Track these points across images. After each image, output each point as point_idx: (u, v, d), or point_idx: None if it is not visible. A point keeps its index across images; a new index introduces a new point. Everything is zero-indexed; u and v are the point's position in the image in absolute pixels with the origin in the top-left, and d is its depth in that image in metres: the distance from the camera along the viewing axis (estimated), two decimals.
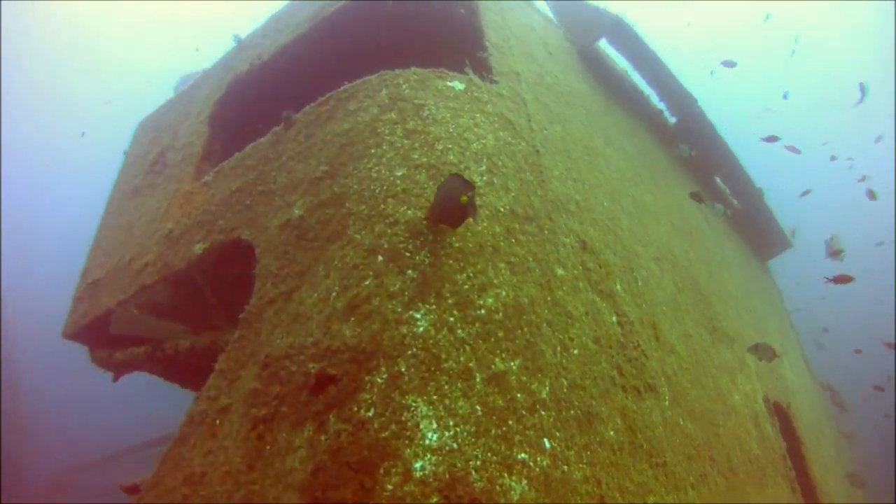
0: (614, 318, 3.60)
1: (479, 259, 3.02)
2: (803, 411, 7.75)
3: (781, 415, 6.21)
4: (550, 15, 6.53)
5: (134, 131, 6.57)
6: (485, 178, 3.47)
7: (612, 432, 3.02)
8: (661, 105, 7.75)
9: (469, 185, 2.94)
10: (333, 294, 3.00)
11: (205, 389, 3.33)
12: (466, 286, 2.89)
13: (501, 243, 3.17)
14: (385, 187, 3.31)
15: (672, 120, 7.91)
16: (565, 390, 2.88)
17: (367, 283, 2.92)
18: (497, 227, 3.24)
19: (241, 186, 4.30)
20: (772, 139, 9.39)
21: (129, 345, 4.82)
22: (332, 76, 5.41)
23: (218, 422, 3.15)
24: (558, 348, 3.00)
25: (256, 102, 5.60)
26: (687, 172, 7.88)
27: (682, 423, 3.70)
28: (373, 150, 3.56)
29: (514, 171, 3.67)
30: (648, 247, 4.75)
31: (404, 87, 3.91)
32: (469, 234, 3.11)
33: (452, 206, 2.97)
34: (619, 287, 3.85)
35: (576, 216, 3.93)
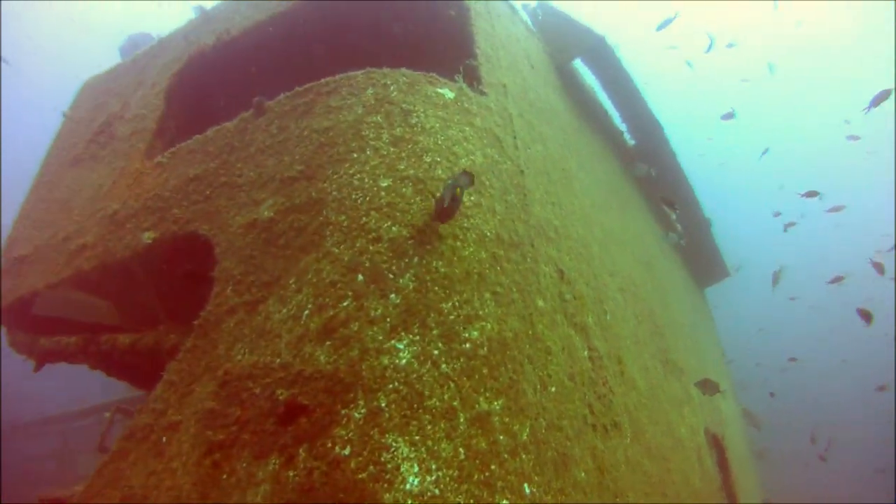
0: (586, 353, 3.56)
1: (466, 287, 2.88)
2: (733, 440, 8.12)
3: (717, 446, 6.45)
4: (530, 23, 6.43)
5: (77, 92, 5.94)
6: (472, 198, 3.32)
7: (583, 473, 2.97)
8: (620, 125, 7.86)
9: (469, 179, 2.91)
10: (306, 312, 2.77)
11: (150, 400, 3.03)
12: (452, 317, 2.74)
13: (487, 271, 3.04)
14: (368, 198, 3.10)
15: (631, 141, 8.03)
16: (544, 431, 2.80)
17: (345, 304, 2.72)
18: (483, 252, 3.10)
19: (200, 174, 3.95)
20: (811, 195, 9.59)
21: (56, 332, 4.37)
22: (308, 68, 5.11)
23: (165, 439, 2.86)
24: (538, 386, 2.91)
25: (220, 82, 5.19)
26: (643, 195, 8.02)
27: (641, 460, 3.72)
28: (355, 155, 3.33)
29: (500, 193, 3.55)
30: (615, 276, 4.76)
31: (392, 88, 3.69)
32: (456, 258, 2.96)
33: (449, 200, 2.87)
34: (590, 320, 3.81)
35: (554, 243, 3.85)
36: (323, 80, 3.88)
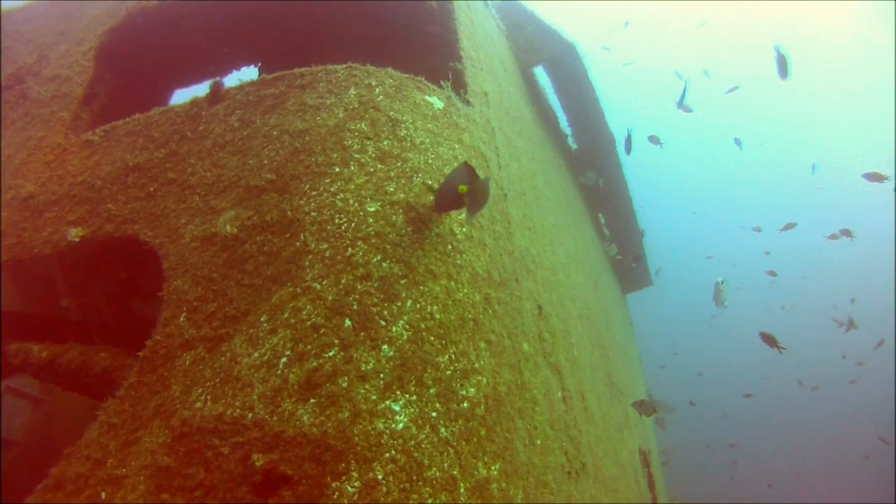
0: (560, 394, 3.47)
1: (462, 337, 2.66)
2: (652, 451, 8.54)
3: (645, 463, 6.73)
4: (499, 21, 6.10)
5: None
6: (464, 229, 3.07)
7: None
8: (566, 128, 7.79)
9: (473, 175, 2.76)
10: (283, 360, 2.44)
11: (83, 445, 2.59)
12: (449, 372, 2.52)
13: (481, 316, 2.83)
14: (354, 224, 2.77)
15: (574, 146, 7.98)
16: (533, 491, 2.68)
17: (331, 354, 2.41)
18: (477, 294, 2.88)
19: (141, 163, 3.40)
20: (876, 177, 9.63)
21: None
22: (272, 54, 4.56)
23: (104, 495, 2.46)
24: (527, 441, 2.78)
25: (164, 51, 4.49)
26: (587, 203, 8.04)
27: (600, 496, 3.73)
28: (337, 169, 2.97)
29: (489, 222, 3.32)
30: (575, 302, 4.70)
31: (378, 91, 3.31)
32: (451, 302, 2.72)
33: (449, 195, 2.72)
34: (563, 358, 3.73)
35: (532, 275, 3.69)
36: (297, 70, 3.43)
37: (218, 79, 3.53)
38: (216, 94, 3.48)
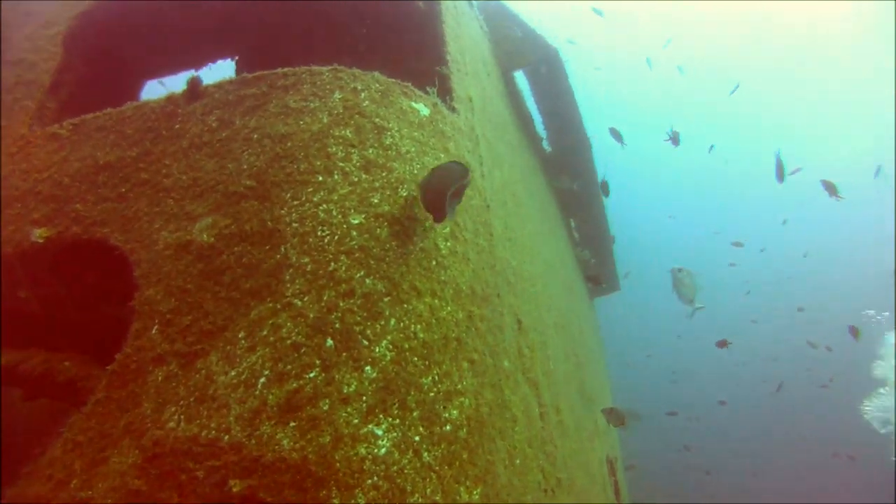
0: (537, 410, 3.46)
1: (445, 357, 2.62)
2: (617, 457, 8.66)
3: (612, 471, 6.81)
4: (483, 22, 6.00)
5: None
6: (448, 244, 3.02)
7: None
8: (541, 131, 7.75)
9: (465, 174, 2.78)
10: (262, 380, 2.36)
11: (46, 464, 2.47)
12: (432, 394, 2.48)
13: (464, 335, 2.79)
14: (337, 237, 2.69)
15: (548, 148, 7.95)
16: None
17: (312, 375, 2.34)
18: (461, 312, 2.84)
19: (113, 162, 3.24)
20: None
21: None
22: (249, 48, 4.40)
23: None
24: (507, 462, 2.76)
25: (137, 39, 4.28)
26: (560, 207, 8.03)
27: None
28: (321, 178, 2.88)
29: (472, 235, 3.27)
30: (551, 311, 4.70)
31: (363, 96, 3.22)
32: (434, 321, 2.67)
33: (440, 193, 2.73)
34: (539, 372, 3.72)
35: (513, 288, 3.67)
36: (280, 70, 3.31)
37: (196, 75, 3.38)
38: (194, 91, 3.33)
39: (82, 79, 3.97)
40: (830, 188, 9.73)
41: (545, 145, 7.63)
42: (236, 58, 5.00)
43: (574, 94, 6.55)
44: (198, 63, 4.69)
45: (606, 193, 6.96)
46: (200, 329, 2.56)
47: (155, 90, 4.76)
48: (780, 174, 7.15)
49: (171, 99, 3.36)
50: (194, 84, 3.36)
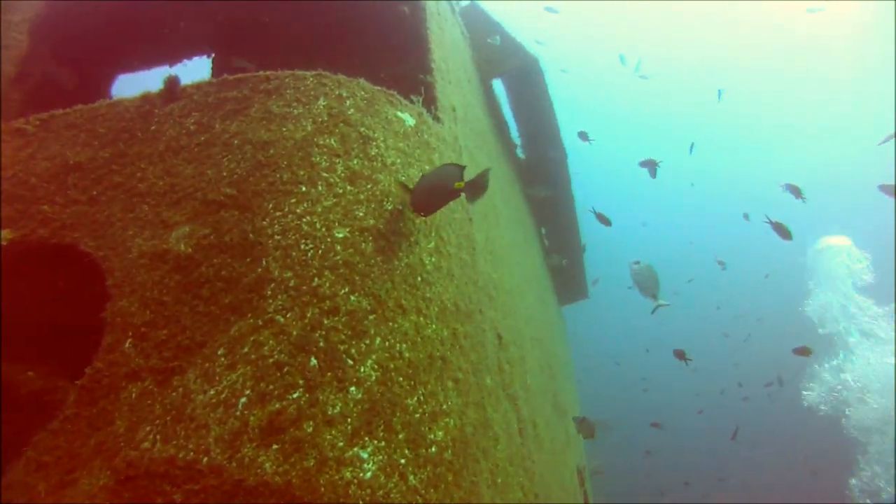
0: (517, 426, 3.47)
1: (430, 377, 2.59)
2: (584, 466, 8.77)
3: (581, 480, 6.89)
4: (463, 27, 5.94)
5: None
6: (433, 259, 2.99)
7: None
8: (516, 138, 7.73)
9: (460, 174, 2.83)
10: (243, 400, 2.29)
11: (7, 486, 2.35)
12: (417, 415, 2.45)
13: (449, 353, 2.77)
14: (321, 252, 2.64)
15: (521, 155, 7.95)
16: None
17: (295, 395, 2.29)
18: (445, 330, 2.82)
19: (84, 162, 3.10)
20: None
21: None
22: (227, 46, 4.26)
23: None
24: (489, 482, 2.76)
25: (109, 31, 4.10)
26: (533, 215, 8.06)
27: None
28: (304, 188, 2.81)
29: (456, 250, 3.25)
30: (528, 324, 4.71)
31: (349, 103, 3.16)
32: (420, 339, 2.65)
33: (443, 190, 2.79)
34: (518, 387, 3.73)
35: (493, 302, 3.66)
36: (262, 73, 3.21)
37: (173, 74, 3.26)
38: (172, 91, 3.21)
39: (49, 75, 3.79)
40: (794, 190, 9.95)
41: (519, 153, 7.65)
42: (212, 55, 4.84)
43: (553, 104, 6.58)
44: (172, 59, 4.52)
45: (607, 224, 6.79)
46: (177, 344, 2.48)
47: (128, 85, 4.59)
48: (785, 234, 7.22)
49: (146, 98, 3.23)
50: (172, 84, 3.23)
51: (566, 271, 9.54)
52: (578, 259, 9.81)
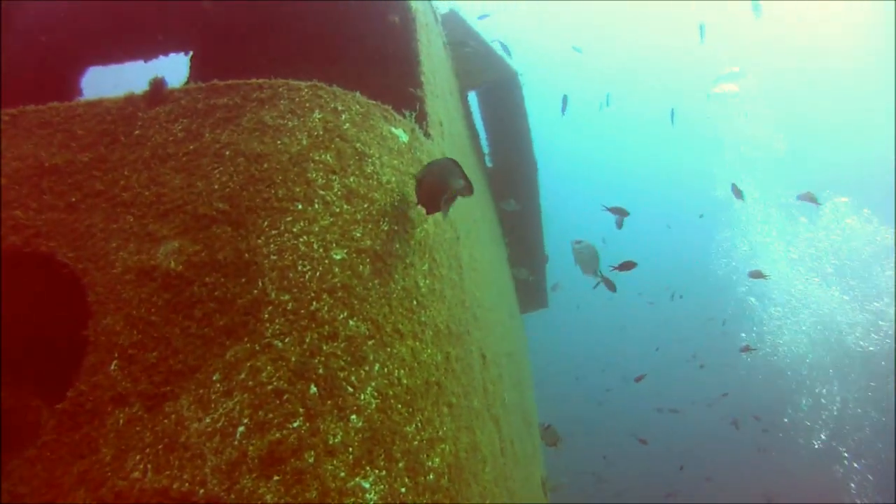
0: (499, 446, 3.52)
1: (427, 402, 2.60)
2: (546, 476, 8.92)
3: (544, 491, 7.03)
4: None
5: None
6: (427, 281, 2.99)
7: None
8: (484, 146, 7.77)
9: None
10: (241, 429, 2.24)
11: None
12: (416, 442, 2.46)
13: (443, 378, 2.79)
14: (319, 274, 2.59)
15: (489, 164, 7.98)
16: None
17: (295, 424, 2.25)
18: (439, 354, 2.83)
19: (61, 165, 2.92)
20: None
21: None
22: (207, 44, 4.12)
23: None
24: None
25: (82, 21, 3.86)
26: (502, 229, 8.10)
27: None
28: (300, 206, 2.75)
29: (447, 271, 3.26)
30: (504, 341, 4.76)
31: (344, 117, 3.10)
32: (416, 365, 2.65)
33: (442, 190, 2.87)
34: (499, 407, 3.78)
35: (478, 322, 3.69)
36: (254, 81, 3.11)
37: (159, 76, 3.12)
38: (157, 94, 3.07)
39: (17, 60, 3.54)
40: (809, 197, 10.39)
41: (487, 161, 7.68)
42: (190, 53, 4.63)
43: (527, 118, 6.63)
44: (147, 54, 4.30)
45: (625, 268, 6.70)
46: (169, 368, 2.38)
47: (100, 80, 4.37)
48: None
49: (129, 100, 3.08)
50: (157, 85, 3.09)
51: (530, 282, 9.69)
52: (541, 270, 9.98)
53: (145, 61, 4.33)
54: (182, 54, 4.44)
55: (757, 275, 11.81)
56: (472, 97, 6.90)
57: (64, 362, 2.56)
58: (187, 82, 4.45)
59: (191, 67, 4.48)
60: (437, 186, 2.93)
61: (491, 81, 5.91)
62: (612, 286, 6.56)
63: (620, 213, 6.78)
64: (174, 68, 4.55)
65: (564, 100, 9.29)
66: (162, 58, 4.32)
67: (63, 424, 2.33)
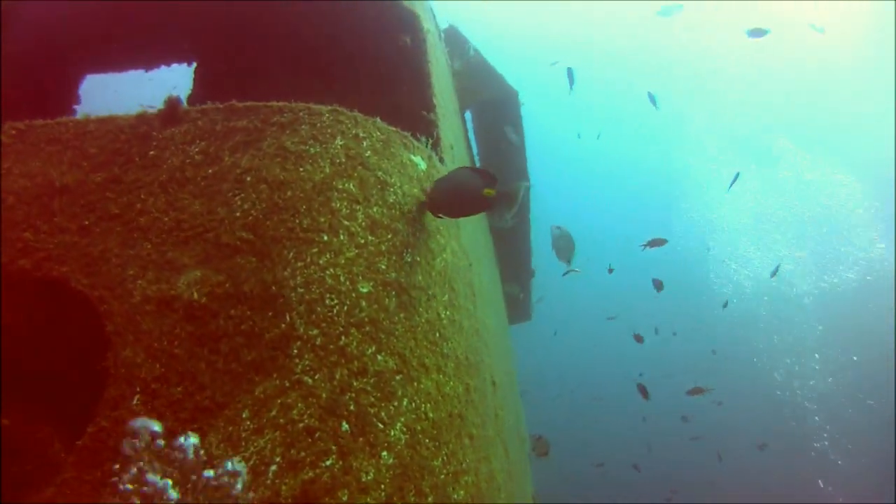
0: (508, 470, 3.57)
1: (451, 436, 2.63)
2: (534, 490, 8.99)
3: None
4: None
5: None
6: (448, 312, 3.01)
7: None
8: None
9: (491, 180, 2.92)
10: (273, 468, 2.21)
11: None
12: (443, 476, 2.48)
13: (465, 410, 2.81)
14: (346, 308, 2.58)
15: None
16: None
17: (328, 462, 2.25)
18: (460, 386, 2.86)
19: (72, 185, 2.82)
20: None
21: None
22: (212, 56, 4.04)
23: None
24: None
25: (81, 27, 3.72)
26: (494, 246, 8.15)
27: None
28: (325, 237, 2.73)
29: (464, 300, 3.28)
30: (501, 360, 4.80)
31: (366, 145, 3.09)
32: (441, 398, 2.67)
33: (471, 196, 2.87)
34: (506, 431, 3.83)
35: (488, 349, 3.72)
36: (275, 104, 3.07)
37: (174, 95, 3.05)
38: (173, 113, 3.00)
39: (14, 68, 3.40)
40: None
41: None
42: (194, 64, 4.50)
43: (525, 135, 6.70)
44: (149, 63, 4.16)
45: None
46: (195, 404, 2.34)
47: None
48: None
49: (143, 118, 3.00)
50: (173, 105, 3.02)
51: (518, 298, 9.80)
52: (528, 285, 10.09)
53: (146, 71, 4.21)
54: (185, 65, 4.35)
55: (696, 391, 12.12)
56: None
57: (79, 394, 2.48)
58: (191, 94, 4.35)
59: (195, 80, 4.38)
60: (463, 193, 2.97)
61: (489, 100, 5.96)
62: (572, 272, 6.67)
63: (658, 243, 7.10)
64: (175, 79, 4.45)
65: (570, 73, 8.77)
66: (164, 67, 4.21)
67: (83, 461, 2.26)
